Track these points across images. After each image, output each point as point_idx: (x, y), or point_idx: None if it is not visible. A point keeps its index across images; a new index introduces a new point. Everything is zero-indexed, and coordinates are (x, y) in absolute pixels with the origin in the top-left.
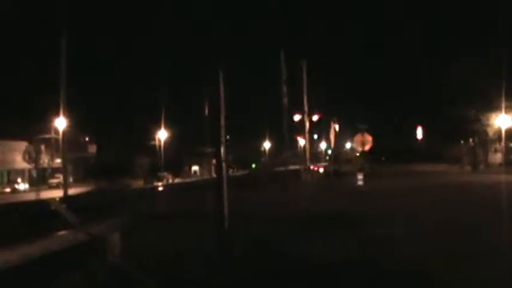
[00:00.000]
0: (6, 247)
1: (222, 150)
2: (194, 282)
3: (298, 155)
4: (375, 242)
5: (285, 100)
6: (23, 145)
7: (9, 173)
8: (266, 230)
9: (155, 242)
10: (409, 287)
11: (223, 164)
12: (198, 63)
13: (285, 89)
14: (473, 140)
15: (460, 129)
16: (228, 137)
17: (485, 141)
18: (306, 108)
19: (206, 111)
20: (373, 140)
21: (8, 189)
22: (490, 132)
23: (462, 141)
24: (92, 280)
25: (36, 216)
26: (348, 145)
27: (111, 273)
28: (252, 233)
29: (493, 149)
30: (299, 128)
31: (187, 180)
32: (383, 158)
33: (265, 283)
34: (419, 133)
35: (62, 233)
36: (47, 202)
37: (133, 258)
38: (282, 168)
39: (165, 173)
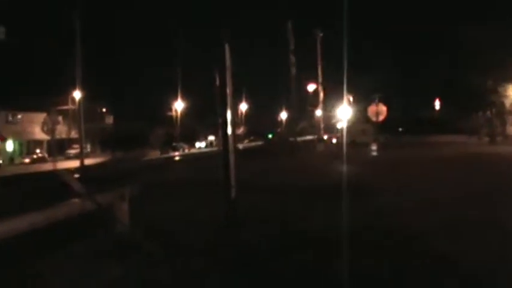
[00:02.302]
0: (14, 216)
1: (229, 119)
2: (198, 249)
3: (313, 125)
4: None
5: (293, 70)
6: (42, 117)
7: (28, 143)
8: (276, 199)
9: (163, 210)
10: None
11: (230, 135)
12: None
13: (293, 59)
14: (490, 112)
15: (477, 100)
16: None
17: (502, 112)
18: (319, 79)
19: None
20: (388, 111)
21: (27, 160)
22: (507, 103)
23: (480, 113)
24: (95, 248)
25: (48, 187)
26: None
27: (116, 241)
28: (260, 202)
29: (510, 121)
30: (312, 98)
31: (203, 150)
32: (399, 129)
33: (271, 249)
34: (436, 104)
35: (70, 202)
36: (58, 173)
37: (139, 226)
38: (297, 139)
39: (181, 143)
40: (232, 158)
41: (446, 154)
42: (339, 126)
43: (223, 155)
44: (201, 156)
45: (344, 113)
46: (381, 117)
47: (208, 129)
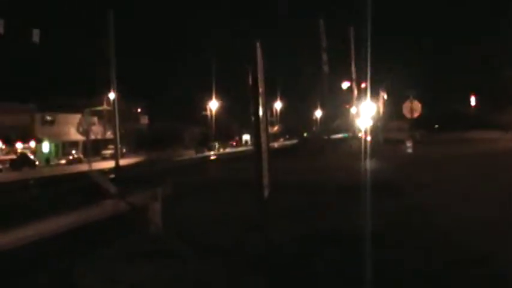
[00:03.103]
0: (47, 217)
1: (262, 118)
2: (228, 249)
3: (348, 123)
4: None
5: (326, 68)
6: (77, 118)
7: (64, 145)
8: (310, 198)
9: (196, 210)
10: None
11: (263, 133)
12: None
13: (325, 57)
14: None
15: None
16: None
17: None
18: (353, 76)
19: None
20: (423, 107)
21: (63, 161)
22: None
23: None
24: (128, 249)
25: (83, 188)
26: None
27: (149, 241)
28: (294, 202)
29: None
30: (347, 96)
31: (238, 149)
32: (436, 126)
33: (303, 247)
34: (472, 100)
35: (103, 202)
36: (93, 174)
37: (172, 226)
38: (332, 137)
39: (216, 143)
40: (265, 157)
41: (486, 151)
42: (359, 123)
43: (256, 154)
44: (236, 155)
45: (366, 110)
46: (416, 114)
47: (244, 129)
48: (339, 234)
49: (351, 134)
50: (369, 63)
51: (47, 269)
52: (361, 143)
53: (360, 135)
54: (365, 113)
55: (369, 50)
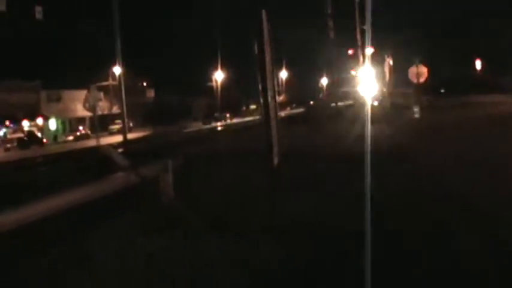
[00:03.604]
0: (61, 192)
1: (270, 87)
2: (239, 221)
3: (355, 90)
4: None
5: (332, 34)
6: (83, 94)
7: (71, 121)
8: (319, 166)
9: (205, 181)
10: None
11: (272, 102)
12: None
13: (331, 22)
14: None
15: None
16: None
17: None
18: (359, 42)
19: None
20: (429, 72)
21: (70, 138)
22: None
23: None
24: (138, 220)
25: (93, 162)
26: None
27: (160, 213)
28: (304, 169)
29: None
30: (352, 62)
31: (246, 119)
32: (441, 90)
33: (317, 211)
34: (477, 64)
35: (115, 176)
36: (102, 148)
37: (181, 197)
38: (339, 104)
39: (223, 113)
40: (274, 125)
41: (486, 115)
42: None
43: (265, 122)
44: (243, 125)
45: (367, 75)
46: (422, 79)
47: (251, 98)
48: None
49: (358, 101)
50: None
51: (61, 241)
52: (368, 108)
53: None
54: (367, 78)
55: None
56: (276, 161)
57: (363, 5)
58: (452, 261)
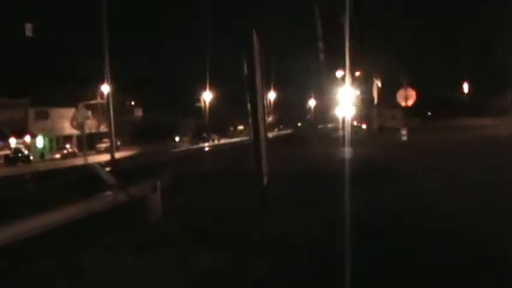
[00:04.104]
0: (52, 209)
1: (260, 108)
2: (229, 237)
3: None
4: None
5: (321, 57)
6: (71, 112)
7: (58, 139)
8: (304, 184)
9: (193, 200)
10: None
11: (262, 124)
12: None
13: (321, 45)
14: None
15: (506, 81)
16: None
17: None
18: (347, 64)
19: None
20: (417, 95)
21: (58, 155)
22: None
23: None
24: (128, 238)
25: (81, 180)
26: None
27: (149, 231)
28: (292, 189)
29: None
30: (341, 85)
31: (233, 140)
32: (429, 113)
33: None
34: (465, 87)
35: (103, 194)
36: (90, 167)
37: (170, 215)
38: (327, 125)
39: (211, 134)
40: (263, 146)
41: (473, 137)
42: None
43: (254, 143)
44: (231, 146)
45: (345, 96)
46: (410, 102)
47: (238, 119)
48: None
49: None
50: (347, 48)
51: (51, 259)
52: (355, 131)
53: (354, 123)
54: (347, 100)
55: (347, 33)
56: (265, 180)
57: (352, 28)
58: None
